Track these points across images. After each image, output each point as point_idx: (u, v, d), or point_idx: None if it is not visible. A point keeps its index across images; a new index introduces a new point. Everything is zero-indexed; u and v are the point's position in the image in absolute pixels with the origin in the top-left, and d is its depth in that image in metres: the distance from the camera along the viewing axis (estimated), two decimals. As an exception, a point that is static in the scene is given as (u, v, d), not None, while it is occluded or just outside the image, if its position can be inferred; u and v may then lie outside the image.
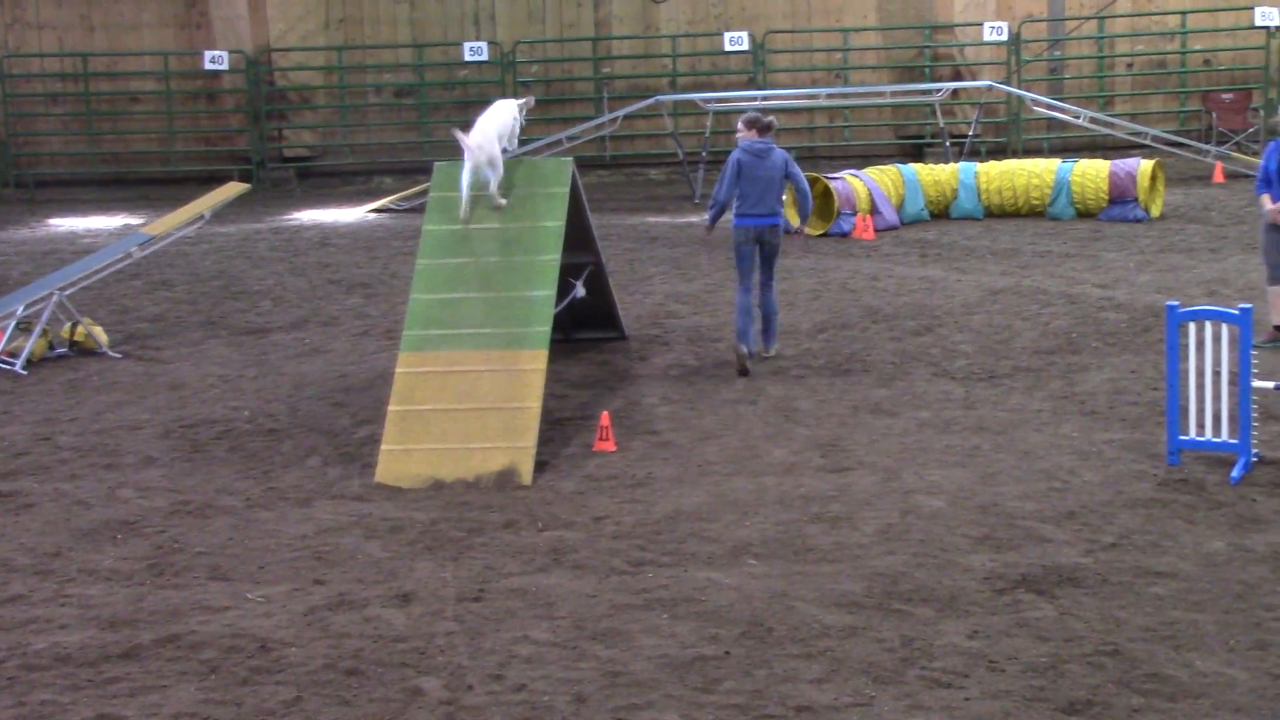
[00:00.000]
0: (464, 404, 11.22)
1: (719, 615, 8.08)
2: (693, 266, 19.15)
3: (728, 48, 28.98)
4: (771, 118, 14.26)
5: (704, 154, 26.10)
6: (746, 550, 9.09)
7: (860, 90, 27.74)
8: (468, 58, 29.39)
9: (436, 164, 13.07)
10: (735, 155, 13.82)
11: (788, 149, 28.78)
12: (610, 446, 11.33)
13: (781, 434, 11.63)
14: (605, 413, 11.66)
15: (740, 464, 10.91)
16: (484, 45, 29.36)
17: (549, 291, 11.98)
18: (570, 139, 25.67)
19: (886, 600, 8.21)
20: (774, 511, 9.79)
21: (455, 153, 12.58)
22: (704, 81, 29.12)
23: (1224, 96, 27.80)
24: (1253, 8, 27.95)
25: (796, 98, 27.33)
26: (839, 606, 8.14)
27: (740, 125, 14.02)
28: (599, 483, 10.59)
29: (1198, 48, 28.80)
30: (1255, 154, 25.76)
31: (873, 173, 21.99)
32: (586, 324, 14.77)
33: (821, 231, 20.90)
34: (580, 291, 13.79)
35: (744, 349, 13.50)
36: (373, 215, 25.57)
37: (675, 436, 11.67)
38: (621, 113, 26.04)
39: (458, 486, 10.57)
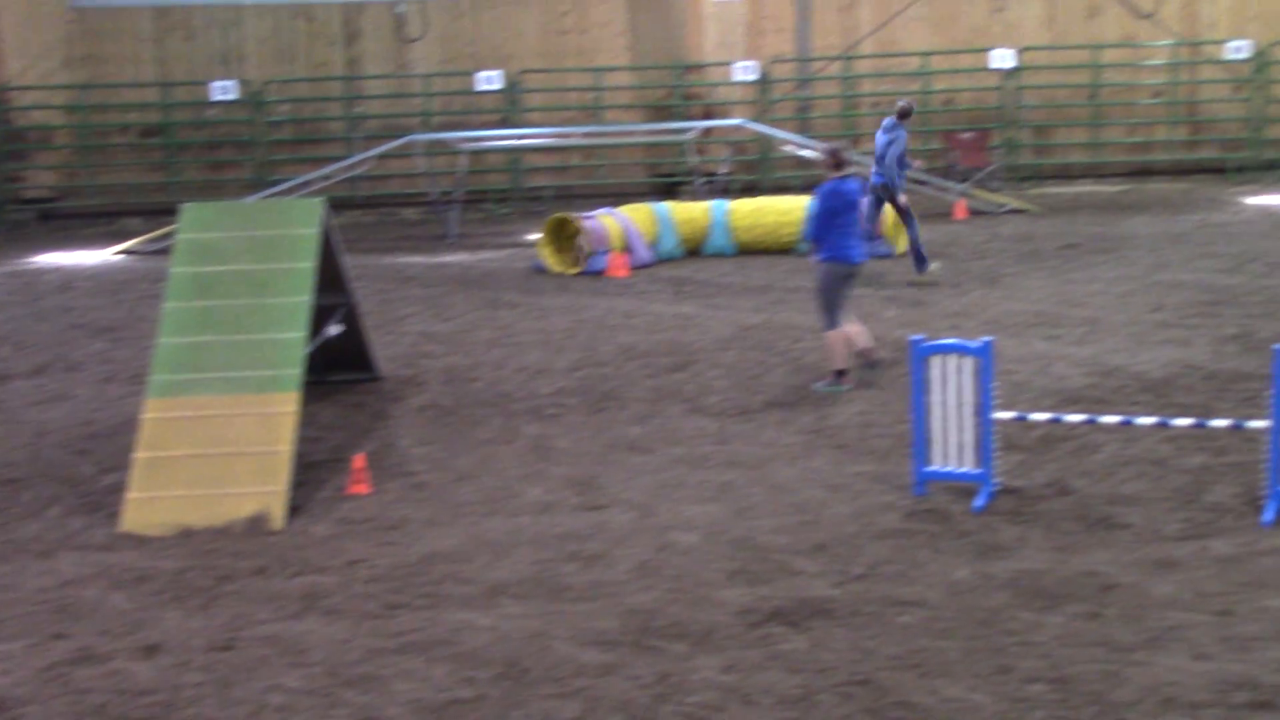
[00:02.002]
0: (214, 449, 11.00)
1: (475, 657, 8.03)
2: (448, 306, 19.06)
3: (481, 87, 28.98)
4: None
5: (458, 194, 26.04)
6: (502, 590, 9.06)
7: (613, 129, 27.95)
8: (216, 97, 28.92)
9: (184, 205, 12.83)
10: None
11: (540, 188, 28.99)
12: (364, 489, 11.21)
13: (537, 473, 11.63)
14: (359, 455, 11.53)
15: (496, 504, 10.87)
16: (233, 84, 28.91)
17: (300, 334, 11.83)
18: (322, 179, 25.40)
19: (642, 637, 8.24)
20: (530, 551, 9.78)
21: (204, 193, 12.36)
22: (457, 121, 29.07)
23: (964, 135, 28.63)
24: (988, 50, 28.86)
25: (550, 137, 27.42)
26: (595, 644, 8.15)
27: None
28: (353, 526, 10.47)
29: (939, 88, 29.62)
30: (996, 191, 26.59)
31: (627, 211, 22.15)
32: (340, 365, 14.61)
33: (577, 271, 20.98)
34: (334, 332, 13.63)
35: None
36: (119, 258, 24.97)
37: (431, 477, 11.59)
38: (374, 152, 25.85)
39: (207, 534, 10.35)
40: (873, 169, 19.22)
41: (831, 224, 13.85)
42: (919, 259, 19.21)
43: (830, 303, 14.00)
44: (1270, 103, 28.90)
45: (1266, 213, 23.98)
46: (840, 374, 14.01)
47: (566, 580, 9.20)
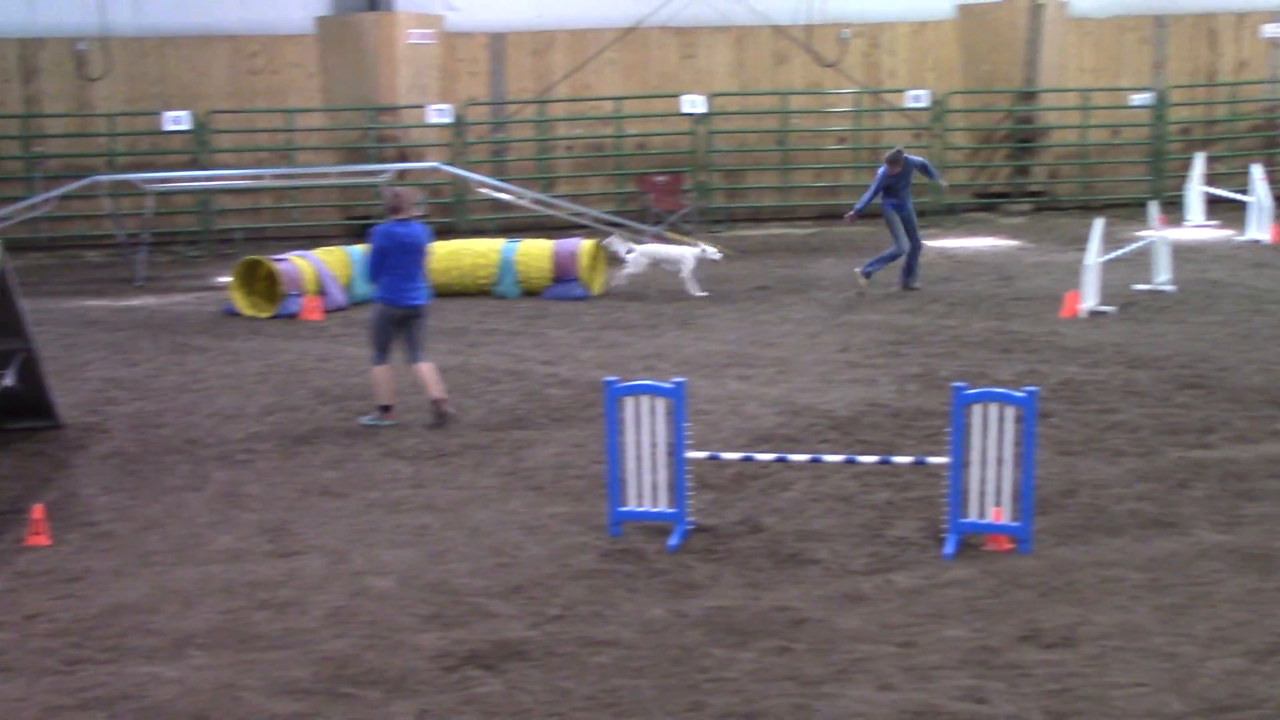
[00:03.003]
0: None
1: (160, 711, 7.78)
2: (135, 351, 18.55)
3: (168, 127, 28.33)
4: (897, 149, 21.62)
5: (145, 236, 25.39)
6: (190, 641, 8.81)
7: (306, 171, 27.61)
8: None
9: None
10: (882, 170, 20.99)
11: (231, 230, 28.43)
12: (44, 540, 10.79)
13: (228, 520, 11.36)
14: (38, 505, 11.10)
15: (184, 552, 10.58)
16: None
17: (-26, 380, 11.35)
18: (0, 220, 24.51)
19: (335, 684, 8.09)
20: (219, 600, 9.53)
21: None
22: (144, 161, 28.37)
23: (658, 179, 29.04)
24: (679, 95, 29.36)
25: (241, 178, 26.96)
26: (287, 694, 7.97)
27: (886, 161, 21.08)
28: (31, 579, 10.06)
29: (632, 132, 30.00)
30: (689, 234, 27.01)
31: (320, 253, 21.88)
32: (18, 413, 14.07)
33: (269, 314, 20.63)
34: (9, 380, 13.12)
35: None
36: None
37: (115, 527, 11.22)
38: (56, 193, 25.05)
39: (-127, 591, 9.84)
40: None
41: (384, 265, 14.14)
42: (869, 267, 21.53)
43: (379, 341, 14.33)
44: (948, 149, 30.00)
45: (947, 255, 24.86)
46: (385, 409, 14.29)
47: (257, 629, 8.99)
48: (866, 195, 21.54)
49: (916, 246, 21.49)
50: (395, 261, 14.09)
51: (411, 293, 14.25)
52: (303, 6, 29.41)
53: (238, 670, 8.33)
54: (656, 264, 21.47)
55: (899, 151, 21.61)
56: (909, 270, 21.47)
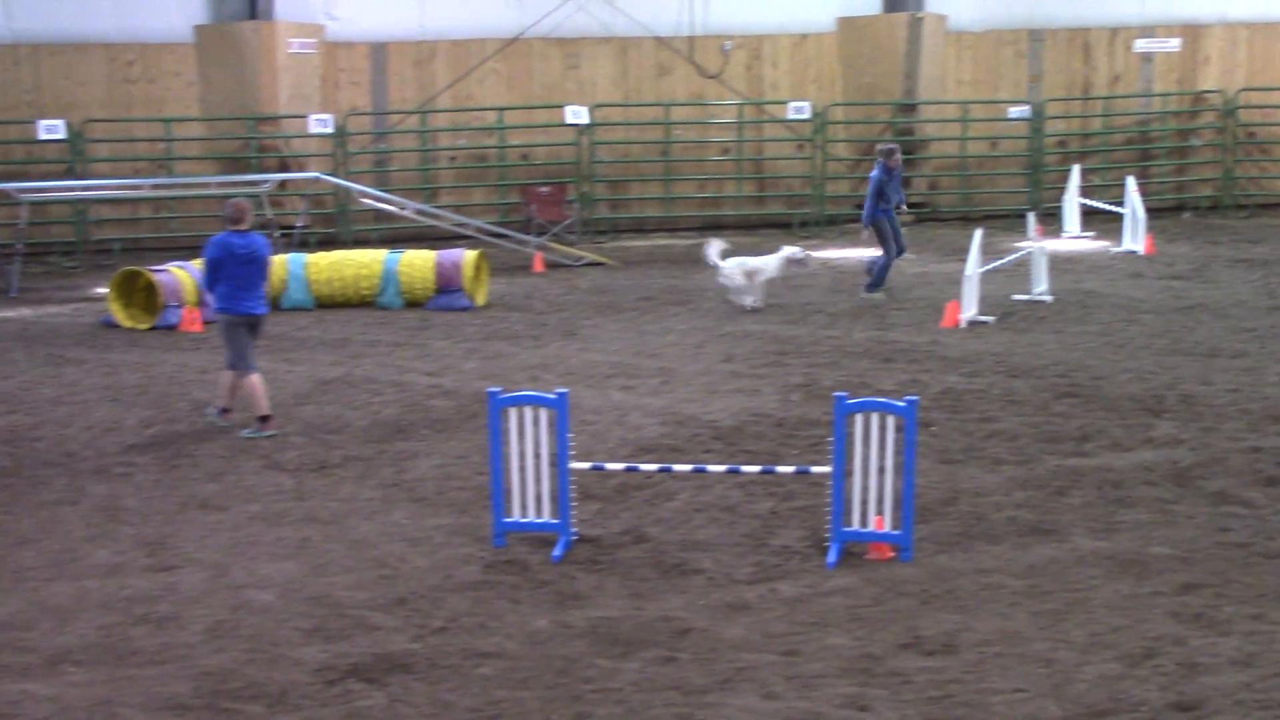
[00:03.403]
0: None
1: (35, 730, 7.64)
2: (8, 364, 18.24)
3: (43, 136, 27.89)
4: (894, 145, 21.80)
5: (19, 246, 24.97)
6: (66, 658, 8.66)
7: (185, 181, 27.30)
8: None
9: None
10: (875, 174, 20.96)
11: (109, 240, 28.03)
12: (-85, 557, 10.58)
13: (105, 534, 11.19)
14: (-91, 521, 10.89)
15: (60, 568, 10.40)
16: None
17: None
18: None
19: (215, 700, 8.00)
20: (96, 615, 9.38)
21: None
22: (17, 170, 27.91)
23: (541, 190, 29.01)
24: (563, 106, 29.36)
25: (119, 188, 26.60)
26: (166, 710, 7.87)
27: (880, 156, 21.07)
28: (-98, 597, 9.86)
29: (515, 143, 29.96)
30: (573, 244, 27.00)
31: (200, 264, 21.60)
32: (-112, 427, 13.78)
33: (148, 325, 20.37)
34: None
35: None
36: None
37: (-12, 543, 11.02)
38: (-72, 202, 24.58)
39: None
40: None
41: (219, 276, 14.28)
42: (873, 283, 21.59)
43: (238, 349, 14.42)
44: (829, 160, 30.24)
45: (829, 265, 25.03)
46: (264, 420, 14.36)
47: (135, 644, 8.86)
48: (869, 203, 21.19)
49: (900, 251, 21.71)
50: (231, 272, 14.21)
51: (249, 302, 14.36)
52: (181, 15, 29.08)
53: (115, 687, 8.21)
54: (750, 276, 20.84)
55: (897, 147, 21.77)
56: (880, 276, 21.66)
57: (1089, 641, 8.73)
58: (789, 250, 21.16)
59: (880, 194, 21.03)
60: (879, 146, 21.94)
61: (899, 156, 21.50)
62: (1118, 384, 15.41)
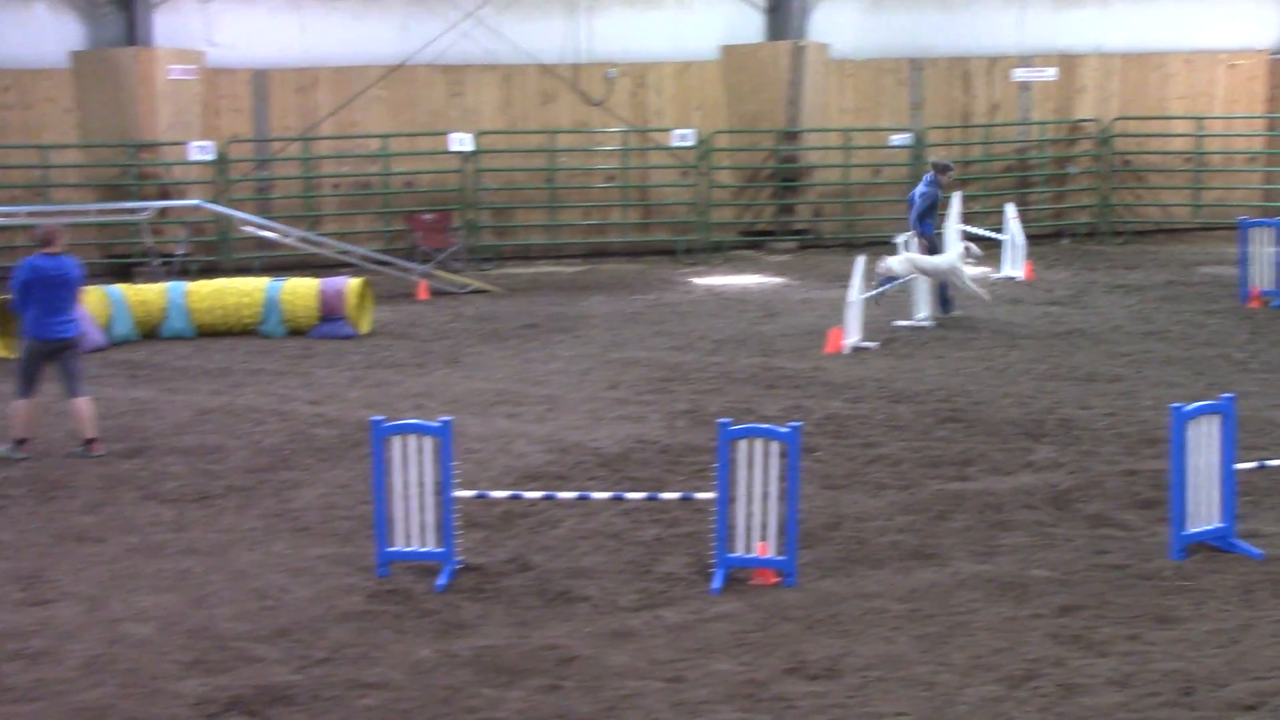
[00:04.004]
0: None
1: (-95, 770, 7.48)
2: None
3: (-86, 163, 27.39)
4: (948, 160, 22.20)
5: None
6: (-63, 696, 8.49)
7: (62, 209, 26.87)
8: None
9: None
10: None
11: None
12: None
13: (-22, 569, 10.98)
14: None
15: (-69, 604, 10.20)
16: None
17: None
18: None
19: (91, 736, 7.87)
20: (-31, 652, 9.20)
21: None
22: (-109, 198, 27.38)
23: (426, 217, 28.88)
24: (448, 133, 29.30)
25: (-6, 216, 26.15)
26: (40, 748, 7.73)
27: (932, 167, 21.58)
28: None
29: (399, 170, 29.82)
30: (458, 272, 26.93)
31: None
32: None
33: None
34: None
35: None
36: None
37: None
38: None
39: None
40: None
41: (29, 299, 14.36)
42: (943, 301, 21.54)
43: (24, 374, 14.53)
44: (714, 188, 30.38)
45: (713, 293, 25.15)
46: (20, 442, 14.40)
47: (7, 680, 8.70)
48: (930, 222, 21.51)
49: None
50: (40, 295, 14.25)
51: (58, 326, 14.39)
52: (56, 41, 28.68)
53: (-12, 724, 8.06)
54: (922, 273, 21.01)
55: (951, 166, 22.07)
56: (947, 300, 21.66)
57: (970, 664, 8.81)
58: (966, 247, 21.65)
59: (932, 209, 21.48)
60: (934, 160, 22.20)
61: (952, 175, 22.04)
62: (998, 409, 15.60)
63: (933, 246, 21.47)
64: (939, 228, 21.91)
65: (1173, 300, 22.81)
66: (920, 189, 21.74)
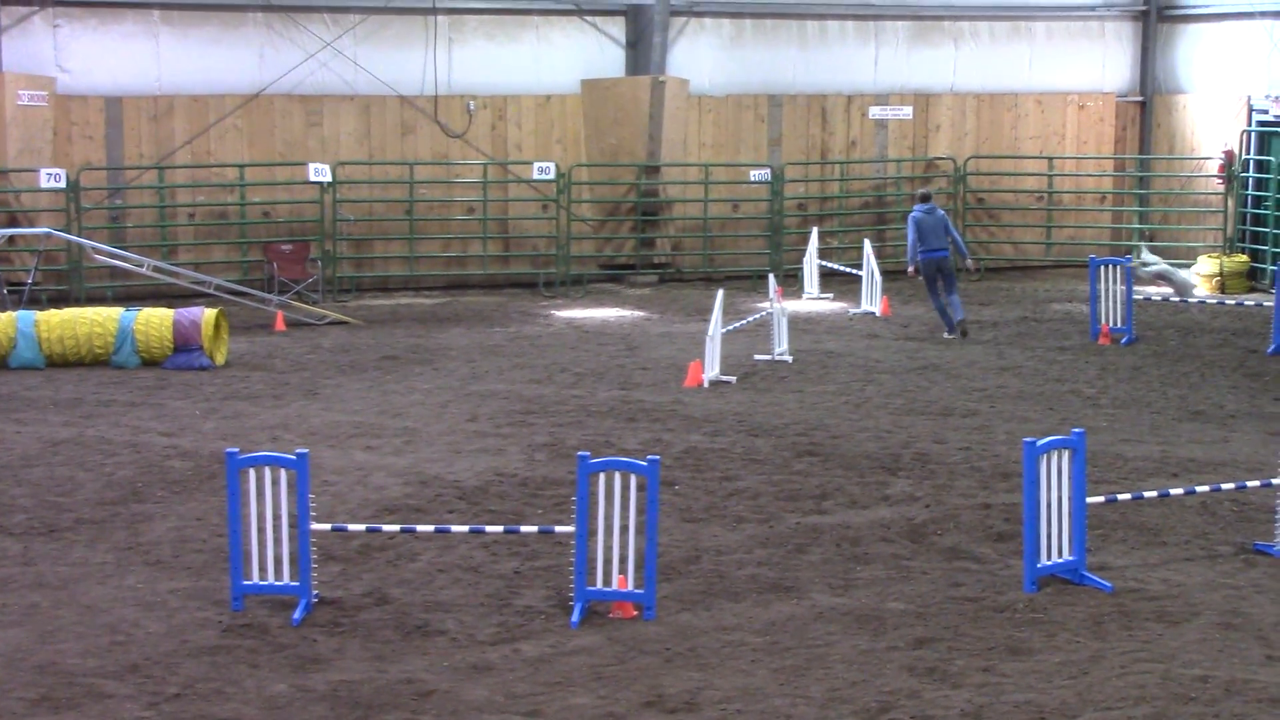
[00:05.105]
0: None
1: None
2: None
3: None
4: (929, 189, 24.51)
5: None
6: None
7: (-91, 235, 26.29)
8: None
9: None
10: (913, 215, 22.92)
11: None
12: None
13: None
14: None
15: None
16: None
17: None
18: None
19: (-66, 776, 7.67)
20: None
21: None
22: None
23: (284, 248, 28.59)
24: (307, 164, 29.07)
25: None
26: (-120, 789, 7.52)
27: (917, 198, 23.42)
28: None
29: (257, 200, 29.53)
30: (316, 303, 26.69)
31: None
32: None
33: None
34: None
35: (956, 323, 22.77)
36: None
37: None
38: None
39: None
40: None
41: None
42: (947, 321, 23.15)
43: None
44: (574, 221, 30.43)
45: (574, 325, 25.16)
46: None
47: None
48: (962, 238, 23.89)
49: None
50: None
51: None
52: (-97, 63, 28.11)
53: None
54: (1160, 279, 24.78)
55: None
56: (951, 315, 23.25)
57: (827, 697, 8.87)
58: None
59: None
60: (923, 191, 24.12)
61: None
62: (856, 443, 15.75)
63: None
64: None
65: (1026, 336, 23.21)
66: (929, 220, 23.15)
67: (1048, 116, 32.99)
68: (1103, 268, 22.84)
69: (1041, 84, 33.07)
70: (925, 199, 23.36)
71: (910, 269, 23.28)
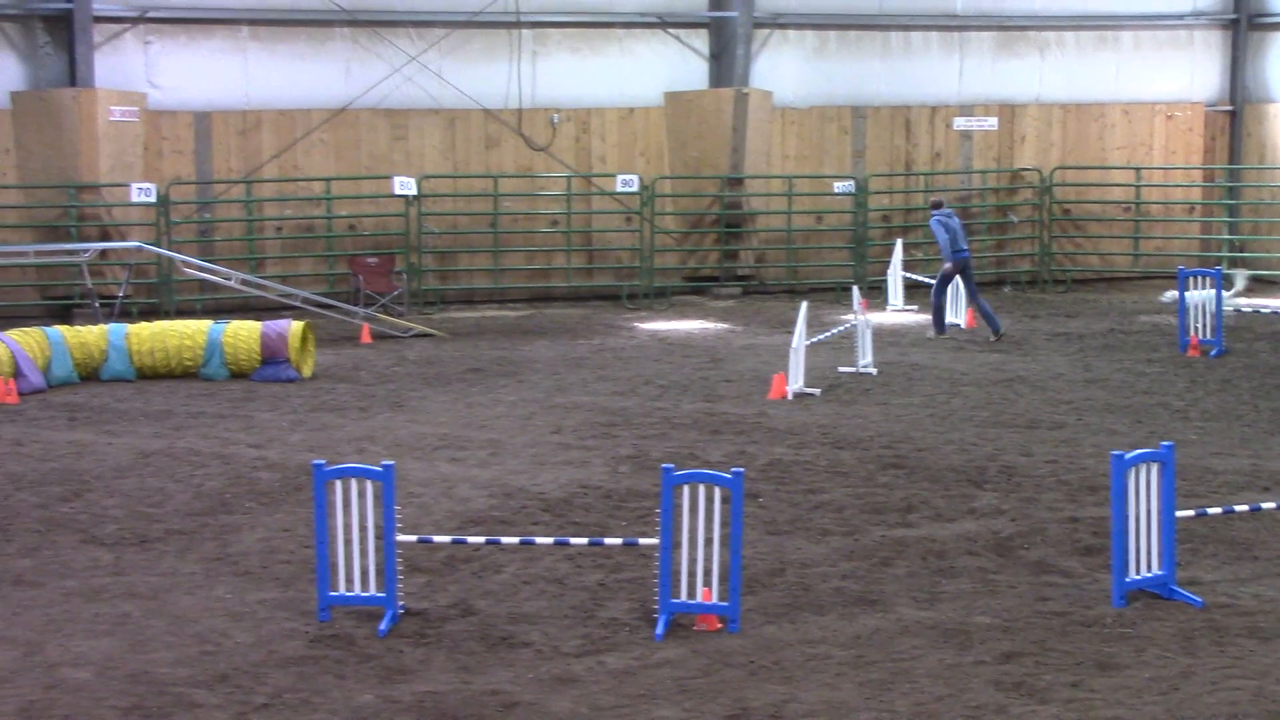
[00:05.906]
0: None
1: None
2: None
3: None
4: (940, 197, 26.23)
5: None
6: None
7: (2, 250, 26.69)
8: None
9: None
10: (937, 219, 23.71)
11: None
12: None
13: (-87, 613, 10.84)
14: None
15: None
16: None
17: None
18: None
19: (27, 784, 7.77)
20: (-97, 698, 9.08)
21: None
22: None
23: (370, 260, 28.82)
24: (392, 177, 29.27)
25: (-67, 256, 25.94)
26: (-25, 795, 7.63)
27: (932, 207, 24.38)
28: None
29: (343, 213, 29.77)
30: (401, 316, 26.87)
31: (15, 335, 21.14)
32: None
33: (-39, 396, 19.83)
34: None
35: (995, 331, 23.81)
36: None
37: None
38: None
39: None
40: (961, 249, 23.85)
41: None
42: (995, 325, 23.99)
43: None
44: (657, 233, 30.47)
45: (657, 338, 25.19)
46: None
47: (-57, 727, 8.59)
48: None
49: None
50: None
51: None
52: (-4, 82, 28.54)
53: (-79, 771, 7.95)
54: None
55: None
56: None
57: (913, 711, 8.82)
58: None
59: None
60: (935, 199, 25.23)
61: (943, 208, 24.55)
62: (941, 455, 15.66)
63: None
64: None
65: (1113, 348, 23.00)
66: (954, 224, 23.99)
67: (1135, 127, 32.70)
68: (1192, 278, 22.62)
69: (1129, 94, 32.79)
70: (939, 205, 24.42)
71: (949, 266, 23.89)
